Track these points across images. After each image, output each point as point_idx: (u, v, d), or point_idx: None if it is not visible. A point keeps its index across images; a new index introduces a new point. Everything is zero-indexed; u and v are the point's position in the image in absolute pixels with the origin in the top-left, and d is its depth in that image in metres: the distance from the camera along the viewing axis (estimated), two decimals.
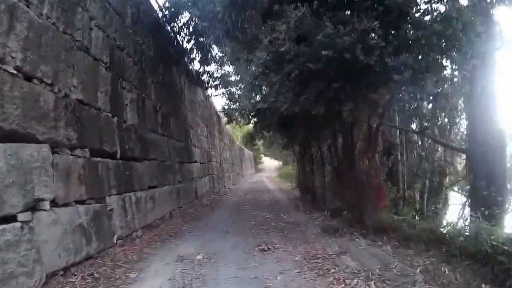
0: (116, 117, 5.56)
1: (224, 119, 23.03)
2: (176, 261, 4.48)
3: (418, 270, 4.21)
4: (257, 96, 10.08)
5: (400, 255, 4.82)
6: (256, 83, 8.08)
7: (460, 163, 13.80)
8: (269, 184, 22.83)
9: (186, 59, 11.26)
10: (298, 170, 11.69)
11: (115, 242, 4.84)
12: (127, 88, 6.22)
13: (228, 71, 18.63)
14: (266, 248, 5.19)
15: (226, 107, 21.24)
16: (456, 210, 11.64)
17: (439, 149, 12.98)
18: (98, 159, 4.81)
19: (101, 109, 5.08)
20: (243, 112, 20.77)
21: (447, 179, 13.47)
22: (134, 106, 6.48)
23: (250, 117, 10.60)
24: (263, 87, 8.58)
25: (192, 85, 12.59)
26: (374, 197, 6.29)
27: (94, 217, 4.41)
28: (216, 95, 15.22)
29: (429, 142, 12.64)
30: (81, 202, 4.25)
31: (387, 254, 4.83)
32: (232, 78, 19.22)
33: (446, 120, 12.12)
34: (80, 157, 4.35)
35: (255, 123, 10.75)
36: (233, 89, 20.27)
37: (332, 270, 4.17)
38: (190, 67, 12.31)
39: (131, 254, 4.61)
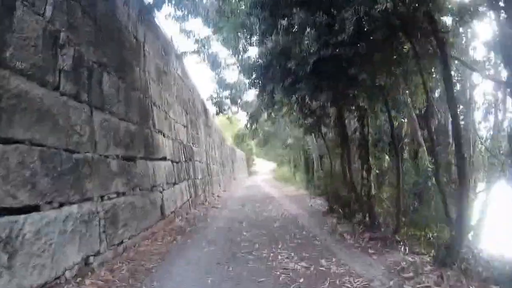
0: None
1: (213, 111, 18.90)
2: None
3: None
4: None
5: None
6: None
7: None
8: (268, 189, 18.64)
9: None
10: (330, 166, 7.38)
11: None
12: None
13: (215, 51, 14.90)
14: None
15: (215, 95, 17.20)
16: None
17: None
18: None
19: None
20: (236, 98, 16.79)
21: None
22: None
23: (254, 79, 6.34)
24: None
25: (159, 44, 8.41)
26: None
27: None
28: (198, 63, 11.21)
29: None
30: None
31: None
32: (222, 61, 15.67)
33: None
34: None
35: (262, 87, 6.46)
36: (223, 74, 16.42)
37: None
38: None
39: None
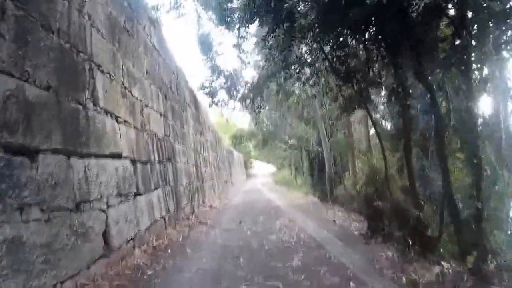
0: None
1: (206, 105, 16.21)
2: None
3: None
4: None
5: None
6: None
7: None
8: (270, 195, 15.94)
9: None
10: (385, 166, 4.58)
11: None
12: None
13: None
14: None
15: (207, 83, 14.62)
16: None
17: None
18: None
19: None
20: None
21: None
22: None
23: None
24: None
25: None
26: None
27: None
28: (176, 18, 8.65)
29: None
30: None
31: None
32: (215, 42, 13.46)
33: None
34: None
35: (274, 15, 3.76)
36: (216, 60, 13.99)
37: None
38: None
39: None
